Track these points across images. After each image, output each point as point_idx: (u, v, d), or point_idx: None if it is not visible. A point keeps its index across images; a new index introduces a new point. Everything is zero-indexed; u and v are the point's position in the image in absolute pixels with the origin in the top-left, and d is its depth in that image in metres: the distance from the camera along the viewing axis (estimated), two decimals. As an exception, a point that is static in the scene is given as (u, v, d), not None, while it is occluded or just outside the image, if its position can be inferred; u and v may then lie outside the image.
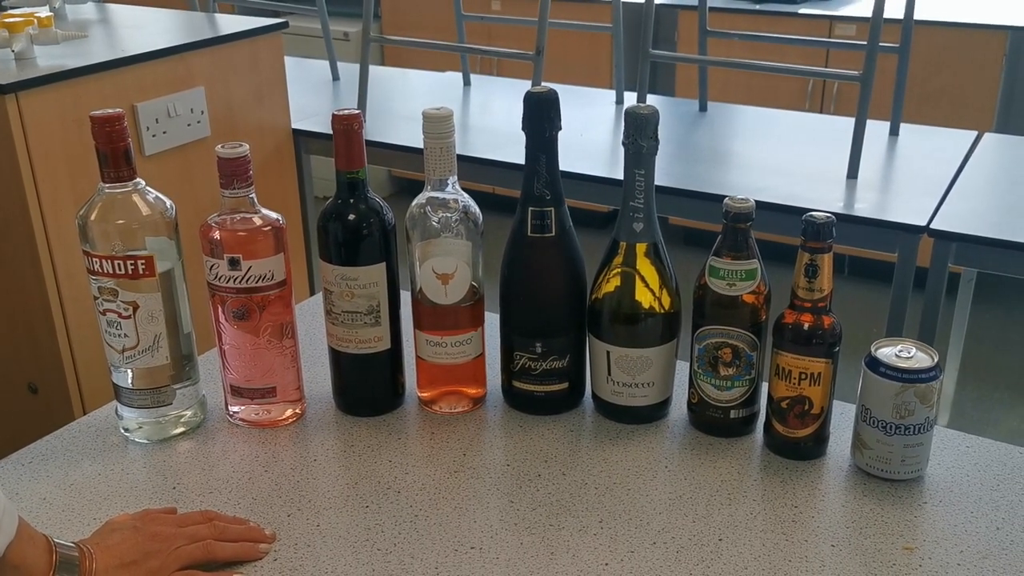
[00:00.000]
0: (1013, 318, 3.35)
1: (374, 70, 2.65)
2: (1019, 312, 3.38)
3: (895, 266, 1.87)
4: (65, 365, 1.82)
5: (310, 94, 2.74)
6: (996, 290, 3.31)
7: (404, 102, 2.76)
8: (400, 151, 2.30)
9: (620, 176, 1.02)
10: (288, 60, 2.29)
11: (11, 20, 1.81)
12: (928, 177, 2.05)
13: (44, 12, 1.93)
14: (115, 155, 0.98)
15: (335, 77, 2.91)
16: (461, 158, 1.06)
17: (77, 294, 1.79)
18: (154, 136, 1.89)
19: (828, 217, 0.94)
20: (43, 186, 1.72)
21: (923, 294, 1.84)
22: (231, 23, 2.24)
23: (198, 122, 1.98)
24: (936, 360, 0.95)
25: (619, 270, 1.04)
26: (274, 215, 1.04)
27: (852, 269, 3.39)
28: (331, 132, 1.02)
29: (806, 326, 0.97)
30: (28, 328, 1.82)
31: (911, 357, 0.95)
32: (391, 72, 3.20)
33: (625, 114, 0.99)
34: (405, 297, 1.10)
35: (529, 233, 1.04)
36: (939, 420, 0.97)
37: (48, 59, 1.83)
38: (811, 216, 0.95)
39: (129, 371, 1.04)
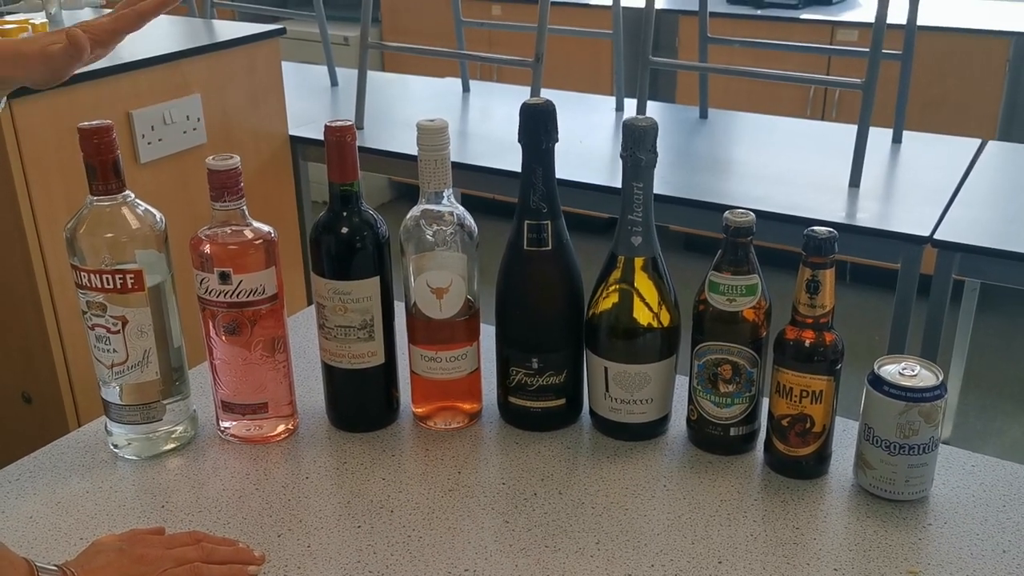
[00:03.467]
0: (1017, 327, 3.32)
1: (373, 76, 2.64)
2: (1023, 321, 3.35)
3: (898, 276, 1.85)
4: (59, 375, 1.81)
5: (308, 100, 2.72)
6: (1000, 299, 3.29)
7: (403, 108, 2.75)
8: (399, 158, 2.28)
9: (619, 184, 1.00)
10: (286, 65, 2.28)
11: (5, 27, 1.80)
12: (931, 186, 2.03)
13: (39, 19, 1.92)
14: (104, 167, 0.96)
15: (334, 83, 2.90)
16: (461, 166, 1.05)
17: (71, 304, 1.77)
18: (149, 144, 1.87)
19: (830, 232, 0.93)
20: (36, 195, 1.70)
21: (926, 301, 1.82)
22: (228, 29, 2.22)
23: (194, 129, 1.97)
24: (941, 378, 0.93)
25: (617, 286, 1.02)
26: (266, 228, 1.02)
27: (854, 276, 3.37)
28: (327, 141, 1.00)
29: (807, 343, 0.95)
30: (22, 337, 1.81)
31: (915, 375, 0.93)
32: (390, 78, 3.18)
33: (623, 126, 0.97)
34: (399, 308, 1.08)
35: (525, 247, 1.02)
36: (942, 432, 0.95)
37: (42, 66, 1.81)
38: (812, 231, 0.93)
39: (118, 387, 1.02)
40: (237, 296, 1.00)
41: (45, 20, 1.92)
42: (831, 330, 0.96)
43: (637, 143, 0.97)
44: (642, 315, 1.02)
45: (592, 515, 0.95)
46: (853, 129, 2.02)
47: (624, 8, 2.59)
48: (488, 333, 1.10)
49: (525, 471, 1.02)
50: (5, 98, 0.98)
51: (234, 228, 1.00)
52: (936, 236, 1.78)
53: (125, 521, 0.95)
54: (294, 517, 0.96)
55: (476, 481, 1.01)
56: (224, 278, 1.00)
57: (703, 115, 2.57)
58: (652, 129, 0.97)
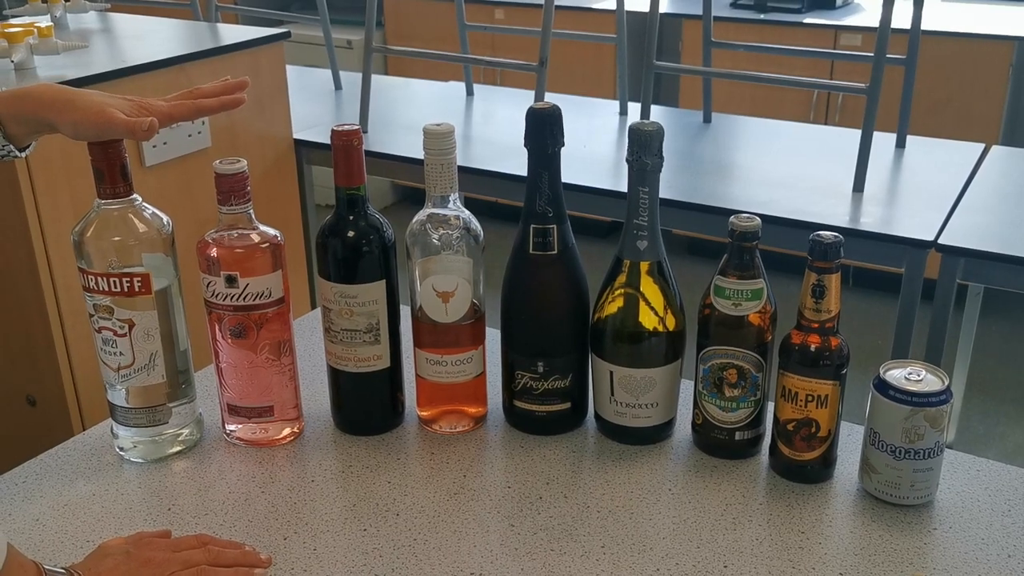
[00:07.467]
0: (1020, 332, 3.32)
1: (377, 79, 2.64)
2: (1026, 325, 3.35)
3: (902, 281, 1.85)
4: (63, 378, 1.81)
5: (312, 103, 2.73)
6: (1003, 303, 3.29)
7: (407, 112, 2.75)
8: (402, 162, 2.29)
9: (623, 188, 1.00)
10: (290, 69, 2.28)
11: (11, 30, 1.80)
12: (935, 190, 2.03)
13: (45, 22, 1.93)
14: (112, 171, 0.97)
15: (337, 86, 2.91)
16: (464, 169, 1.05)
17: (76, 307, 1.77)
18: (154, 147, 1.88)
19: (836, 237, 0.93)
20: (42, 198, 1.71)
21: (930, 306, 1.82)
22: (232, 33, 2.23)
23: (199, 133, 1.97)
24: (947, 383, 0.93)
25: (622, 290, 1.02)
26: (272, 232, 1.02)
27: (857, 280, 3.37)
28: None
29: (813, 347, 0.95)
30: (26, 340, 1.81)
31: (921, 380, 0.93)
32: (394, 81, 3.19)
33: (629, 131, 0.97)
34: (405, 312, 1.08)
35: (531, 251, 1.03)
36: (947, 437, 0.95)
37: (48, 69, 1.82)
38: (818, 235, 0.93)
39: (124, 389, 1.03)
40: (243, 299, 1.01)
41: (50, 23, 1.92)
42: (837, 334, 0.96)
43: (643, 147, 0.97)
44: (647, 319, 1.02)
45: (597, 519, 0.95)
46: (857, 133, 2.02)
47: (628, 12, 2.60)
48: (493, 337, 1.10)
49: (530, 475, 1.02)
50: (34, 143, 0.98)
51: (241, 232, 1.01)
52: (940, 241, 1.78)
53: (131, 524, 0.95)
54: (300, 520, 0.96)
55: (481, 485, 1.01)
56: (231, 281, 1.00)
57: (707, 119, 2.58)
58: (658, 133, 0.97)
